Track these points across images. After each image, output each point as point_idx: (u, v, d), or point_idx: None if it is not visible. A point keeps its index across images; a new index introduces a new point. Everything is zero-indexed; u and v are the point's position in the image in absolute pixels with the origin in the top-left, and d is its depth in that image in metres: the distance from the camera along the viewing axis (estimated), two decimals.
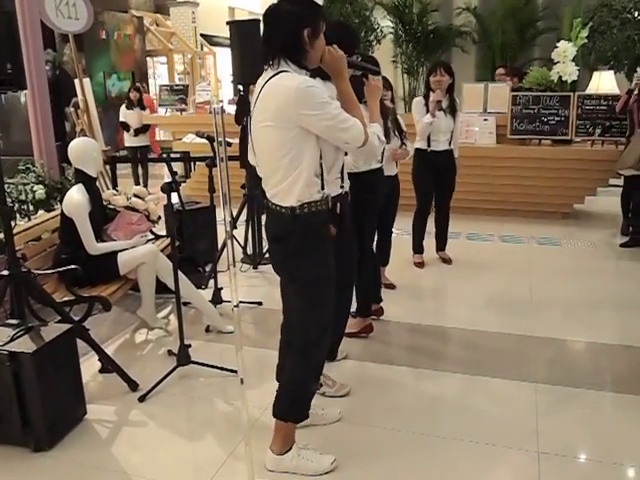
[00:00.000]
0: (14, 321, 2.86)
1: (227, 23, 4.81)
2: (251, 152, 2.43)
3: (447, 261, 5.31)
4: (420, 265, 5.19)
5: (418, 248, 5.24)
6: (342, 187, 2.50)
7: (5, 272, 2.92)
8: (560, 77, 6.54)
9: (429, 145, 4.87)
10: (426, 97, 4.84)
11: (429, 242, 5.32)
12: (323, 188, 2.29)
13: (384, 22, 11.39)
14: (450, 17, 11.25)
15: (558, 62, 6.60)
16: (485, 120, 6.76)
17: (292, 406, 2.49)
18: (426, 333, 3.93)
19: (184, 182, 7.93)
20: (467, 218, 6.45)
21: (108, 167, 6.07)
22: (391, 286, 4.63)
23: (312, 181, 2.25)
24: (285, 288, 2.53)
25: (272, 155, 2.25)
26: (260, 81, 2.28)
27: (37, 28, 4.47)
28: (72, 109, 6.28)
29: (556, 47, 6.70)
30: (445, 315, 4.30)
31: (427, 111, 4.76)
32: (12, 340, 2.67)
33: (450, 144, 4.96)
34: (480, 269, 5.18)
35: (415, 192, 5.08)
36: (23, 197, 4.43)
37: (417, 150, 4.90)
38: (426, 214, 5.16)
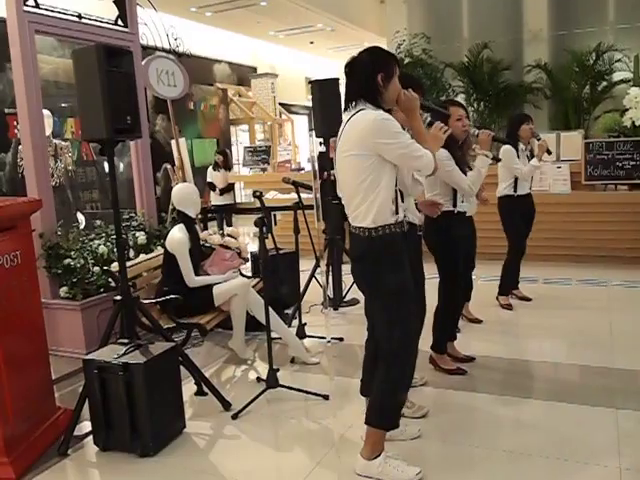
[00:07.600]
0: (125, 340, 3.21)
1: (309, 82, 5.26)
2: (338, 185, 2.73)
3: (525, 298, 5.39)
4: (509, 307, 5.21)
5: (507, 290, 5.29)
6: (405, 217, 2.73)
7: (118, 297, 3.30)
8: (633, 122, 6.61)
9: (516, 190, 5.05)
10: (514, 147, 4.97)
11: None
12: (397, 213, 2.57)
13: (455, 82, 11.72)
14: (521, 74, 11.45)
15: (630, 108, 6.69)
16: (559, 167, 6.85)
17: (381, 414, 2.66)
18: (506, 364, 4.01)
19: (266, 237, 8.34)
20: (544, 265, 6.48)
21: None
22: (477, 320, 4.75)
23: (387, 205, 2.53)
24: (369, 304, 2.75)
25: (353, 180, 2.55)
26: (344, 120, 2.63)
27: (142, 92, 5.05)
28: (169, 166, 6.86)
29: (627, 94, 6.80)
30: (524, 349, 4.37)
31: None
32: (125, 354, 3.02)
33: (530, 188, 5.16)
34: (559, 309, 5.20)
35: (508, 237, 5.17)
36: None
37: (504, 197, 5.08)
38: (522, 254, 5.25)
